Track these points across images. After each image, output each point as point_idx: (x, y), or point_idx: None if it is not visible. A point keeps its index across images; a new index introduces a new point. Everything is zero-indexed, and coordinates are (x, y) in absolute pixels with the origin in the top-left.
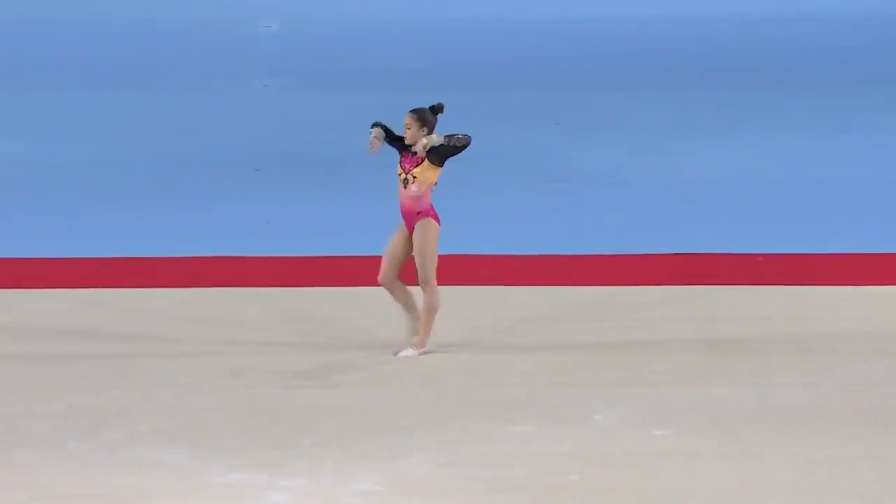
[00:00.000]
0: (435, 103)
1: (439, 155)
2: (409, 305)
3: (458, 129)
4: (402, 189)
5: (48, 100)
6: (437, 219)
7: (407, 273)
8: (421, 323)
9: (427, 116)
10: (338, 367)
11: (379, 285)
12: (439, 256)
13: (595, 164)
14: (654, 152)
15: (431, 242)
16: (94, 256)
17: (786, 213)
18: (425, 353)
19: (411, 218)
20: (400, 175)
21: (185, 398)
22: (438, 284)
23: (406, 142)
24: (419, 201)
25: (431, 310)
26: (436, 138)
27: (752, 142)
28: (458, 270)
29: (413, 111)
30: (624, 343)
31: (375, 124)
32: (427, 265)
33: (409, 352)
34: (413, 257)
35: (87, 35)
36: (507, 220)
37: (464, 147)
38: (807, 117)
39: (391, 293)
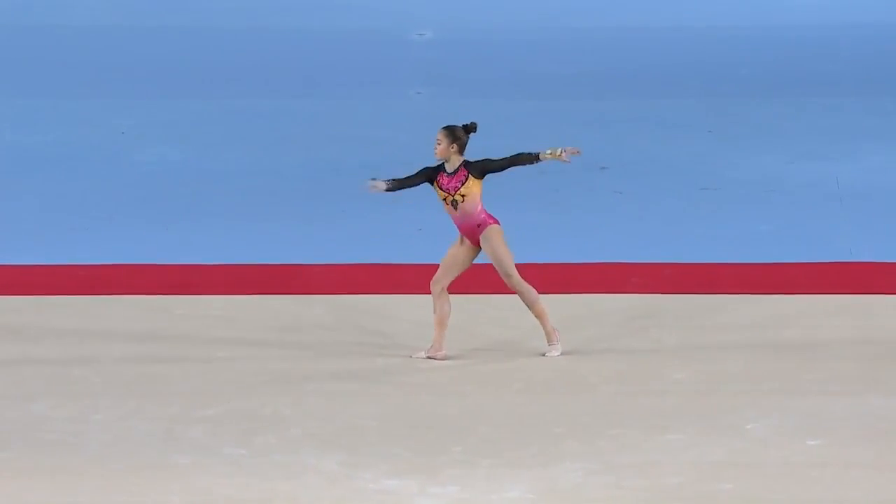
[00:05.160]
0: (468, 122)
1: (480, 170)
2: (443, 319)
3: (599, 135)
4: (454, 211)
5: (204, 107)
6: (495, 220)
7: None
8: (539, 318)
9: (459, 134)
10: (489, 374)
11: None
12: (583, 264)
13: (750, 171)
14: (811, 160)
15: (502, 245)
16: (249, 263)
17: None
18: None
19: (473, 232)
20: (445, 199)
21: (338, 404)
22: (579, 292)
23: (436, 156)
24: (474, 216)
25: (535, 303)
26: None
27: None
28: (610, 279)
29: (445, 127)
30: (776, 351)
31: (387, 183)
32: (508, 269)
33: (554, 352)
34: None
35: (242, 43)
36: (659, 227)
37: (504, 168)
38: None
39: (435, 301)
